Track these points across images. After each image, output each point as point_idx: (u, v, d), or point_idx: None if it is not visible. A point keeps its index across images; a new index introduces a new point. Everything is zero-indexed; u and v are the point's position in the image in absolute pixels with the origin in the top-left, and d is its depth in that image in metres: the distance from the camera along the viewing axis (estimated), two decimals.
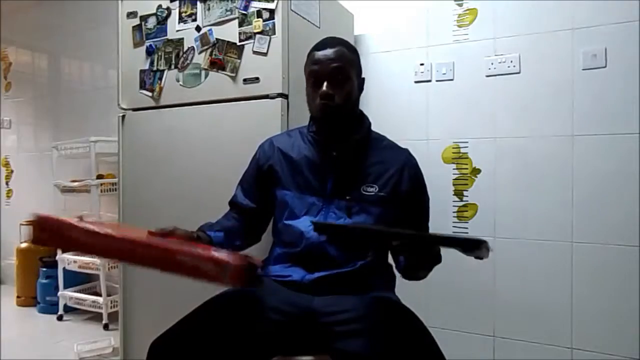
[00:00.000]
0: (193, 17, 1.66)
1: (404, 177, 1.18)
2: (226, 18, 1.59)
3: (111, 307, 2.46)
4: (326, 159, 1.18)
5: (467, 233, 1.91)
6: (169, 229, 0.98)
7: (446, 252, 2.01)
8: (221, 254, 0.82)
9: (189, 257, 0.81)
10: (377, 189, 1.15)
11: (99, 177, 2.52)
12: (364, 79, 1.23)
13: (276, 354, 1.00)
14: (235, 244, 1.19)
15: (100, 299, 2.47)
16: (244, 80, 1.56)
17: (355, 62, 1.19)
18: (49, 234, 0.81)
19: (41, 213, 0.82)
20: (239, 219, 1.24)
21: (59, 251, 2.62)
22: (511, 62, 1.84)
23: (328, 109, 1.13)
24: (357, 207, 1.14)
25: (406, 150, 1.25)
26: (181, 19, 1.69)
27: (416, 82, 2.01)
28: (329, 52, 1.14)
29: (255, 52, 1.54)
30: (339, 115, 1.14)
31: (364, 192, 1.15)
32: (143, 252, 0.84)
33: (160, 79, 1.74)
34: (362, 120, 1.23)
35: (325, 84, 1.12)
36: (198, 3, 1.65)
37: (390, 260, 1.22)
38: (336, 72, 1.13)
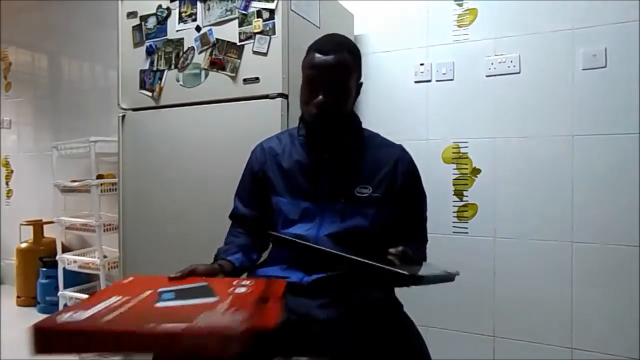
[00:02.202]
0: (193, 17, 1.66)
1: (397, 173, 1.16)
2: (226, 18, 1.59)
3: None
4: (318, 162, 1.15)
5: (467, 233, 1.91)
6: (188, 269, 0.92)
7: (445, 251, 2.00)
8: (221, 321, 0.64)
9: (191, 338, 0.62)
10: (371, 190, 1.13)
11: (99, 177, 2.51)
12: (362, 83, 1.19)
13: (277, 355, 1.01)
14: (253, 258, 1.17)
15: None
16: (244, 80, 1.56)
17: (356, 67, 1.14)
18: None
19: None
20: (246, 232, 1.21)
21: (59, 251, 2.62)
22: (511, 62, 1.84)
23: (321, 119, 1.10)
24: (352, 209, 1.13)
25: (399, 146, 1.22)
26: (181, 19, 1.69)
27: (416, 82, 2.01)
28: (330, 58, 1.08)
29: (255, 52, 1.54)
30: (331, 123, 1.12)
31: (358, 194, 1.13)
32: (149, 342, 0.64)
33: (160, 79, 1.74)
34: (353, 120, 1.21)
35: (321, 92, 1.08)
36: (198, 3, 1.65)
37: None
38: (335, 82, 1.09)
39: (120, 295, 0.74)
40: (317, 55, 1.10)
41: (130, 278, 0.89)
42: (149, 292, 0.78)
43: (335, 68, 1.09)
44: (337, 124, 1.14)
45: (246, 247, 1.16)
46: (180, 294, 0.77)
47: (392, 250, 0.97)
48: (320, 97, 1.08)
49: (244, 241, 1.18)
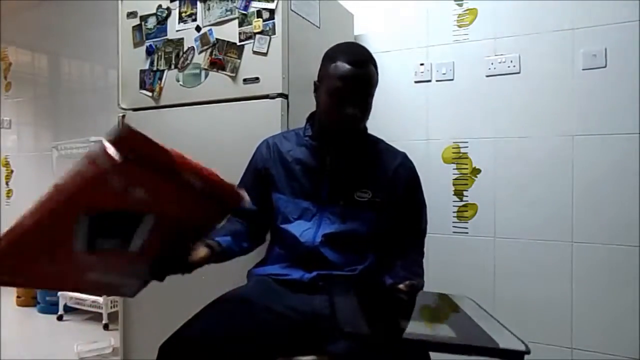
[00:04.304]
0: (193, 17, 1.66)
1: (399, 180, 1.17)
2: (226, 18, 1.59)
3: (111, 307, 2.46)
4: (321, 163, 1.17)
5: (467, 233, 1.91)
6: None
7: (445, 251, 2.00)
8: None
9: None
10: (371, 195, 1.14)
11: None
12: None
13: (279, 356, 1.01)
14: (243, 246, 1.17)
15: (100, 299, 2.47)
16: (244, 80, 1.56)
17: (377, 82, 1.17)
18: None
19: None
20: (243, 223, 1.22)
21: None
22: (511, 62, 1.84)
23: (347, 130, 1.12)
24: (351, 212, 1.14)
25: (402, 154, 1.24)
26: (181, 19, 1.69)
27: (416, 82, 2.01)
28: (359, 72, 1.09)
29: (255, 52, 1.54)
30: (351, 135, 1.15)
31: (358, 198, 1.14)
32: None
33: (160, 79, 1.74)
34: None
35: (349, 104, 1.09)
36: (198, 3, 1.65)
37: None
38: (363, 95, 1.11)
39: None
40: (348, 66, 1.08)
41: None
42: None
43: (365, 82, 1.10)
44: (354, 134, 1.16)
45: (238, 233, 1.16)
46: None
47: (401, 286, 0.97)
48: (350, 109, 1.09)
49: (236, 227, 1.18)
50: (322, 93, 1.14)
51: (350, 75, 1.08)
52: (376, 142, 1.25)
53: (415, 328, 0.79)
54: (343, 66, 1.09)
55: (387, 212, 1.16)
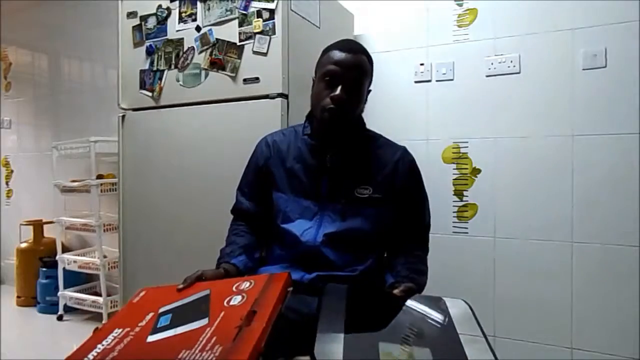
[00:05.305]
0: (193, 17, 1.66)
1: (398, 174, 1.16)
2: (226, 18, 1.60)
3: (111, 307, 2.46)
4: (320, 161, 1.16)
5: (467, 233, 1.91)
6: (195, 276, 0.94)
7: (445, 251, 1.99)
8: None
9: None
10: (371, 190, 1.14)
11: (99, 177, 2.52)
12: (370, 91, 1.21)
13: (279, 356, 1.00)
14: (256, 257, 1.17)
15: (100, 299, 2.47)
16: (244, 80, 1.56)
17: (370, 73, 1.17)
18: None
19: None
20: (248, 229, 1.21)
21: (59, 251, 2.62)
22: (511, 62, 1.84)
23: (336, 115, 1.11)
24: (352, 210, 1.13)
25: (402, 148, 1.23)
26: (181, 19, 1.69)
27: (416, 82, 2.01)
28: (351, 57, 1.11)
29: (255, 52, 1.54)
30: (342, 123, 1.13)
31: (358, 195, 1.13)
32: None
33: (160, 79, 1.74)
34: (358, 122, 1.22)
35: (340, 88, 1.09)
36: (198, 3, 1.65)
37: None
38: (353, 80, 1.11)
39: (121, 328, 0.80)
40: (339, 52, 1.12)
41: (142, 293, 0.92)
42: (150, 315, 0.82)
43: (356, 67, 1.11)
44: (346, 125, 1.14)
45: (249, 247, 1.16)
46: (176, 317, 0.80)
47: (396, 291, 0.97)
48: (339, 92, 1.09)
49: (246, 241, 1.18)
50: (315, 84, 1.16)
51: (339, 60, 1.10)
52: (375, 137, 1.24)
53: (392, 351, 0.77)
54: (334, 53, 1.12)
55: (389, 208, 1.15)
